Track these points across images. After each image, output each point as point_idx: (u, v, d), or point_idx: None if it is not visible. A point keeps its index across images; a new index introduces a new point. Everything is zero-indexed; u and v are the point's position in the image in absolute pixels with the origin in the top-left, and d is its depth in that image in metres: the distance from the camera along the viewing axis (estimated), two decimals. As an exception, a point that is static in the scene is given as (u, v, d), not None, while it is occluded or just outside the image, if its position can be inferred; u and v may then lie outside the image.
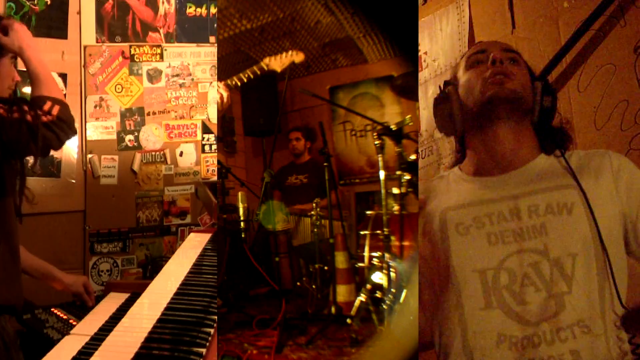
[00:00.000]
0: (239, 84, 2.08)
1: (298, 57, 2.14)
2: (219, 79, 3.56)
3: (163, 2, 3.15)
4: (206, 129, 3.27)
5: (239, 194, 3.18)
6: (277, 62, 2.12)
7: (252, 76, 2.08)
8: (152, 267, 3.00)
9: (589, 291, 1.06)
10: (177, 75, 3.19)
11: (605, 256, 1.06)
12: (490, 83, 1.16)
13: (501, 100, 1.14)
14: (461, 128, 1.24)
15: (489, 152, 1.20)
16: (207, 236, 2.26)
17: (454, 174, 1.29)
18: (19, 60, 1.66)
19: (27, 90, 2.75)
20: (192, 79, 3.22)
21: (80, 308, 1.99)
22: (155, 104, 3.15)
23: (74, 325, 1.64)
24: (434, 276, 1.20)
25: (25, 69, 1.62)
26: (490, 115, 1.17)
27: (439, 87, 1.29)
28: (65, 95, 2.94)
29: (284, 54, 2.12)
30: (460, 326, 1.12)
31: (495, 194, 1.16)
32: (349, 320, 2.06)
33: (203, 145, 3.26)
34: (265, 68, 2.10)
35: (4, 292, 1.54)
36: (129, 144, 3.10)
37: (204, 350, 1.18)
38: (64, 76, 2.94)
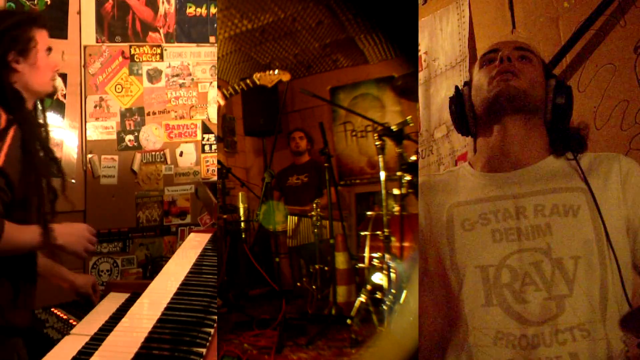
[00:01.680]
0: (233, 93, 2.39)
1: (285, 76, 2.43)
2: (219, 79, 3.56)
3: (163, 2, 3.15)
4: (206, 129, 3.27)
5: (240, 194, 3.18)
6: (266, 78, 2.41)
7: (245, 88, 2.39)
8: (152, 267, 3.00)
9: (591, 295, 1.05)
10: (177, 75, 3.19)
11: (612, 259, 1.05)
12: (497, 81, 1.16)
13: (506, 98, 1.15)
14: (475, 128, 1.26)
15: (497, 148, 1.20)
16: (207, 236, 2.25)
17: (463, 169, 1.29)
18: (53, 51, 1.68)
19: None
20: (192, 79, 3.22)
21: (80, 308, 1.99)
22: (155, 104, 3.15)
23: (74, 325, 1.63)
24: (435, 269, 1.19)
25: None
26: (497, 112, 1.17)
27: (456, 87, 1.30)
28: (65, 95, 2.94)
29: (272, 72, 2.43)
30: (461, 321, 1.12)
31: (502, 191, 1.16)
32: (349, 321, 2.05)
33: (203, 145, 3.26)
34: (257, 82, 2.39)
35: (18, 315, 1.54)
36: (129, 144, 3.10)
37: (204, 350, 1.18)
38: (64, 76, 2.94)
